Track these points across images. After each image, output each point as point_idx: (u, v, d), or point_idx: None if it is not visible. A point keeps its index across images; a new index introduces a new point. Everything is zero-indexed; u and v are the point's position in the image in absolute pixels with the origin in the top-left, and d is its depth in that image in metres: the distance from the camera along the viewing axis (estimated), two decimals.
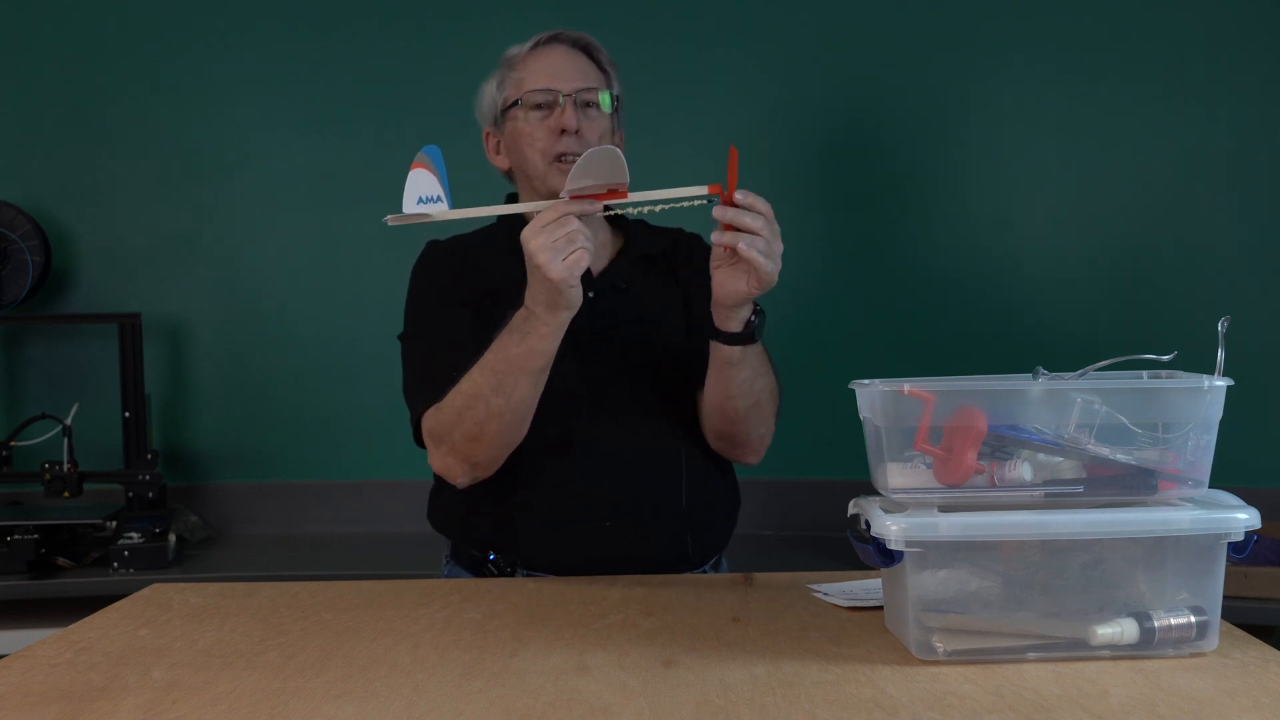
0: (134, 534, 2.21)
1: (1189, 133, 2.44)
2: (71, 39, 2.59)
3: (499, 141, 1.59)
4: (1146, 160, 2.46)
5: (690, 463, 1.51)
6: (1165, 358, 1.08)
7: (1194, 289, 2.43)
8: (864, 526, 1.05)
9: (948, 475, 1.03)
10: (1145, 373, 1.11)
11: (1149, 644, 1.01)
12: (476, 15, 2.55)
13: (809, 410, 2.25)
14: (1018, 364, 1.17)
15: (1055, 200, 2.51)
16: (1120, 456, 1.04)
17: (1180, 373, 1.09)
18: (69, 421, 2.41)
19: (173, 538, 2.26)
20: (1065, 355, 1.25)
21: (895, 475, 1.06)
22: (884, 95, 2.56)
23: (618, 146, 1.59)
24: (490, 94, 1.58)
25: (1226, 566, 1.03)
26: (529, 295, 1.30)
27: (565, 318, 1.31)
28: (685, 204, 1.28)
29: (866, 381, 1.08)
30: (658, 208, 1.29)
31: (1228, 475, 1.09)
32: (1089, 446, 1.04)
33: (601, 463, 1.47)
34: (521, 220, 1.54)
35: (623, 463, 1.47)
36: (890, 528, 1.00)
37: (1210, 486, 1.05)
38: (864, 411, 1.11)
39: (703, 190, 1.26)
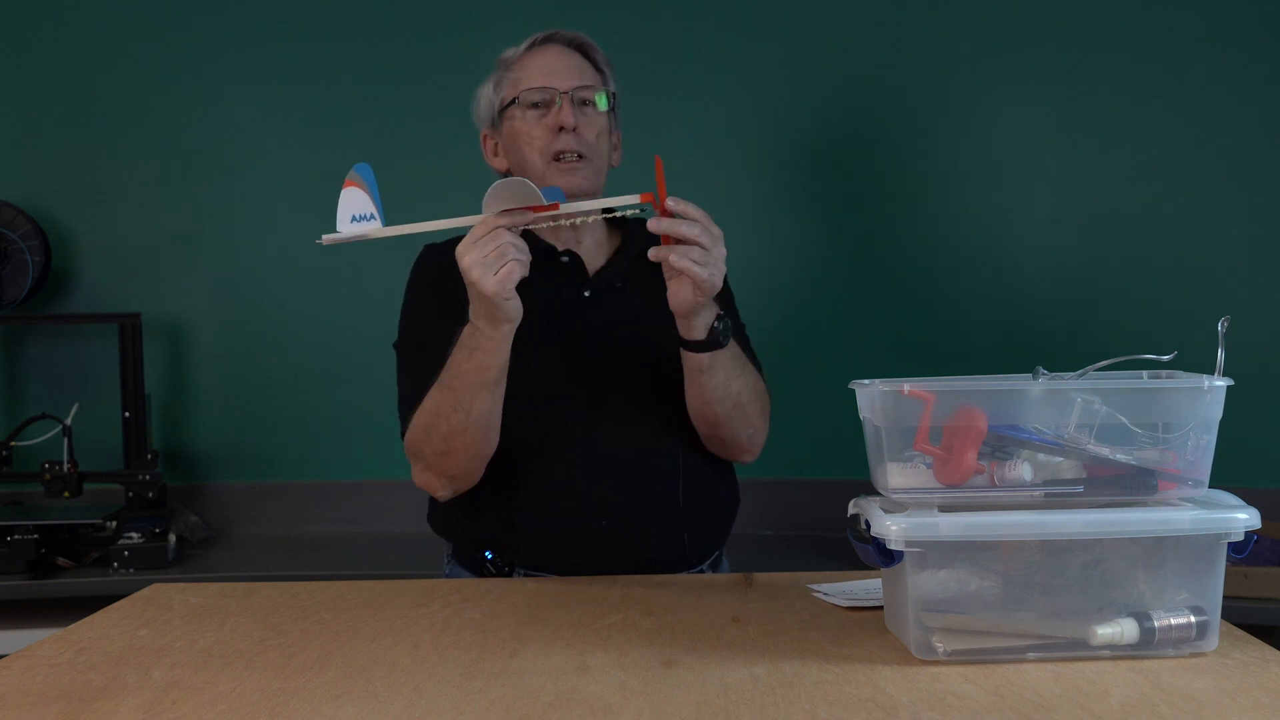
0: (134, 534, 2.21)
1: (1189, 133, 2.44)
2: (71, 39, 2.59)
3: (497, 143, 1.59)
4: (1146, 160, 2.46)
5: (688, 462, 1.51)
6: (1165, 358, 1.08)
7: (1194, 289, 2.43)
8: (864, 526, 1.05)
9: (948, 475, 1.03)
10: (1145, 373, 1.11)
11: (1149, 644, 1.01)
12: (476, 15, 2.55)
13: (809, 410, 2.26)
14: (1018, 364, 1.17)
15: (1055, 200, 2.51)
16: (1120, 456, 1.04)
17: (1180, 373, 1.09)
18: (69, 421, 2.41)
19: (173, 538, 2.26)
20: (1065, 355, 1.25)
21: (895, 475, 1.06)
22: (884, 95, 2.56)
23: (616, 146, 1.60)
24: (487, 96, 1.58)
25: (1226, 566, 1.03)
26: (471, 310, 1.32)
27: (508, 330, 1.32)
28: (618, 213, 1.30)
29: (866, 381, 1.08)
30: (590, 218, 1.31)
31: (1228, 475, 1.09)
32: (1089, 446, 1.04)
33: (599, 462, 1.47)
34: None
35: (621, 462, 1.48)
36: (890, 528, 1.00)
37: (1210, 486, 1.05)
38: (864, 411, 1.11)
39: (635, 199, 1.28)
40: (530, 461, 1.47)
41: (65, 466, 2.37)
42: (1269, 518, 1.29)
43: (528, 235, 1.53)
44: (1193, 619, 1.01)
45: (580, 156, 1.49)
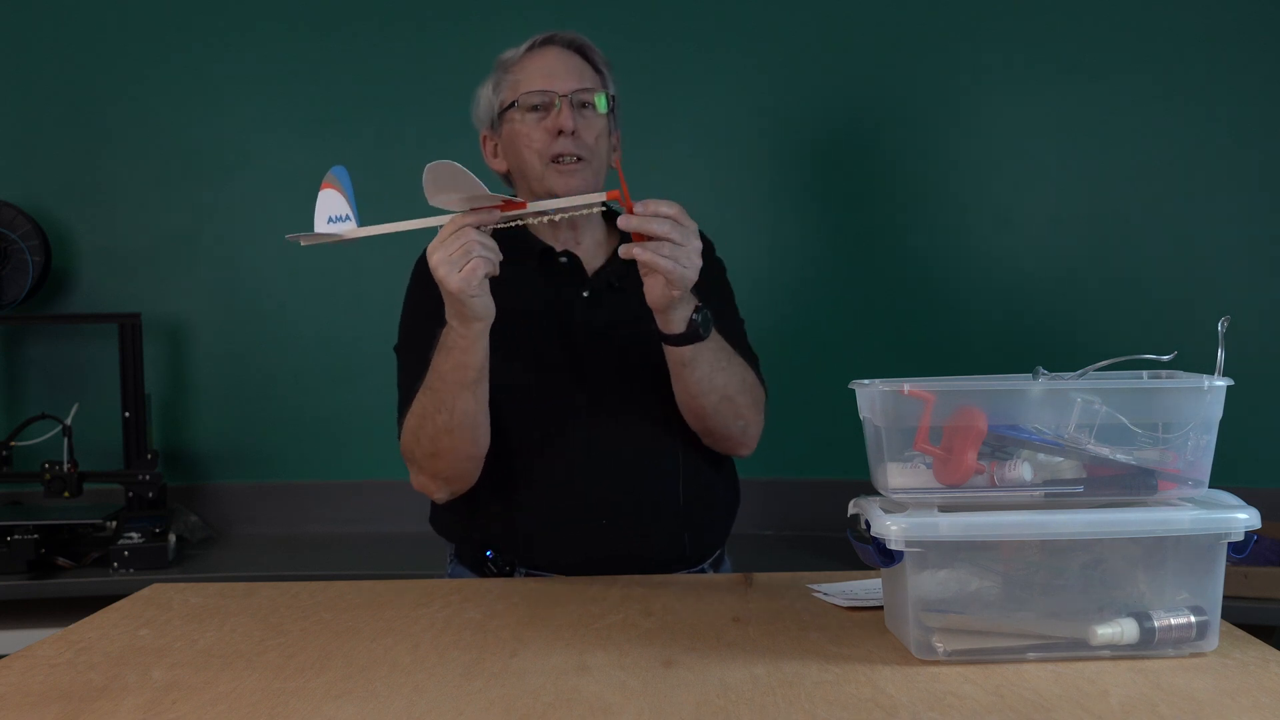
0: (134, 534, 2.21)
1: (1189, 133, 2.44)
2: (71, 39, 2.59)
3: (496, 145, 1.59)
4: (1146, 160, 2.46)
5: (688, 461, 1.51)
6: (1165, 358, 1.08)
7: (1194, 289, 2.43)
8: (864, 526, 1.05)
9: (948, 475, 1.03)
10: (1145, 373, 1.11)
11: (1149, 644, 1.01)
12: (476, 15, 2.55)
13: (809, 410, 2.26)
14: (1018, 364, 1.17)
15: (1055, 200, 2.51)
16: (1120, 456, 1.04)
17: (1180, 373, 1.09)
18: (69, 421, 2.41)
19: (173, 538, 2.26)
20: (1065, 355, 1.25)
21: (895, 475, 1.06)
22: (884, 95, 2.55)
23: (615, 147, 1.60)
24: (486, 97, 1.58)
25: (1226, 566, 1.03)
26: (445, 310, 1.33)
27: (480, 329, 1.32)
28: (585, 211, 1.31)
29: (866, 381, 1.08)
30: (557, 217, 1.31)
31: (1228, 475, 1.09)
32: (1089, 446, 1.04)
33: (599, 462, 1.47)
34: (517, 229, 1.55)
35: (621, 462, 1.48)
36: (890, 528, 1.00)
37: (1210, 486, 1.05)
38: (864, 411, 1.11)
39: (601, 197, 1.30)
40: (530, 462, 1.47)
41: (65, 466, 2.37)
42: (1269, 518, 1.29)
43: (526, 235, 1.54)
44: (1193, 619, 1.01)
45: (579, 159, 1.49)
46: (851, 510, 1.11)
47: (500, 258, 1.28)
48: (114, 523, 2.32)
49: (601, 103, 1.52)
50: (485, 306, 1.30)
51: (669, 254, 1.26)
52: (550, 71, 1.51)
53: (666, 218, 1.26)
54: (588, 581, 1.37)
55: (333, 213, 1.28)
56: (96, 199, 2.61)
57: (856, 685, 0.96)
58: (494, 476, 1.47)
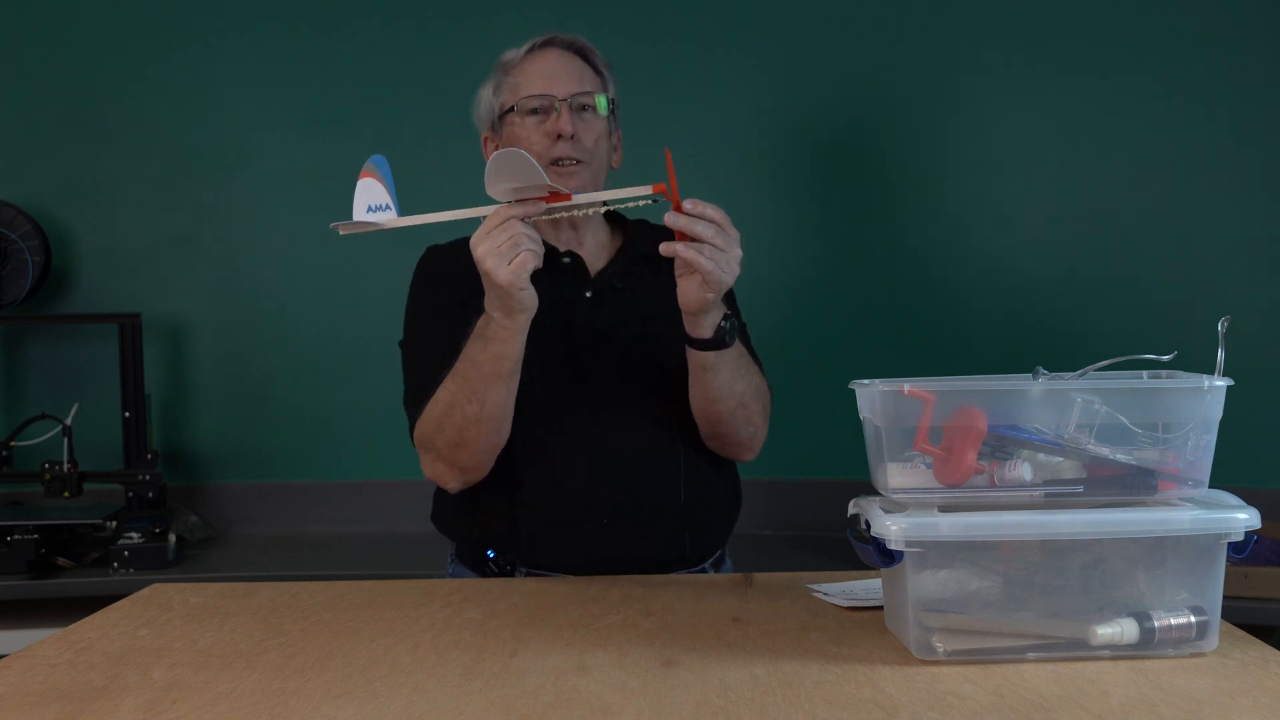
0: (134, 534, 2.21)
1: (1189, 133, 2.44)
2: (71, 39, 2.59)
3: (497, 145, 1.59)
4: (1146, 160, 2.46)
5: (689, 462, 1.51)
6: (1165, 358, 1.08)
7: (1194, 289, 2.43)
8: (864, 526, 1.05)
9: (948, 475, 1.03)
10: (1145, 373, 1.11)
11: (1149, 644, 1.01)
12: (476, 15, 2.55)
13: (809, 410, 2.25)
14: (1018, 364, 1.17)
15: (1055, 200, 2.51)
16: (1120, 456, 1.04)
17: (1180, 373, 1.09)
18: (69, 421, 2.41)
19: (173, 538, 2.26)
20: (1065, 355, 1.25)
21: (895, 475, 1.06)
22: (884, 95, 2.56)
23: (616, 148, 1.60)
24: (486, 99, 1.58)
25: (1226, 566, 1.03)
26: (486, 301, 1.32)
27: (524, 320, 1.33)
28: (630, 204, 1.29)
29: (866, 381, 1.08)
30: (603, 208, 1.30)
31: (1228, 475, 1.09)
32: (1089, 446, 1.04)
33: (601, 462, 1.47)
34: None
35: (622, 462, 1.48)
36: (890, 528, 1.00)
37: (1210, 486, 1.05)
38: (864, 411, 1.11)
39: (647, 190, 1.28)
40: (532, 461, 1.47)
41: (65, 466, 2.37)
42: (1269, 518, 1.29)
43: None
44: (1193, 619, 1.01)
45: (578, 161, 1.50)
46: (851, 510, 1.11)
47: (543, 250, 1.28)
48: (114, 523, 2.32)
49: (601, 105, 1.52)
50: (532, 299, 1.30)
51: (709, 255, 1.26)
52: (550, 74, 1.51)
53: (712, 222, 1.26)
54: (588, 581, 1.37)
55: (372, 202, 1.27)
56: (96, 199, 2.61)
57: (856, 685, 0.96)
58: (497, 475, 1.47)
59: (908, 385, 1.03)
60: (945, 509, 1.02)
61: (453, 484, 1.48)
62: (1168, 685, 0.95)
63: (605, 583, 1.36)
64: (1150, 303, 2.45)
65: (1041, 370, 1.07)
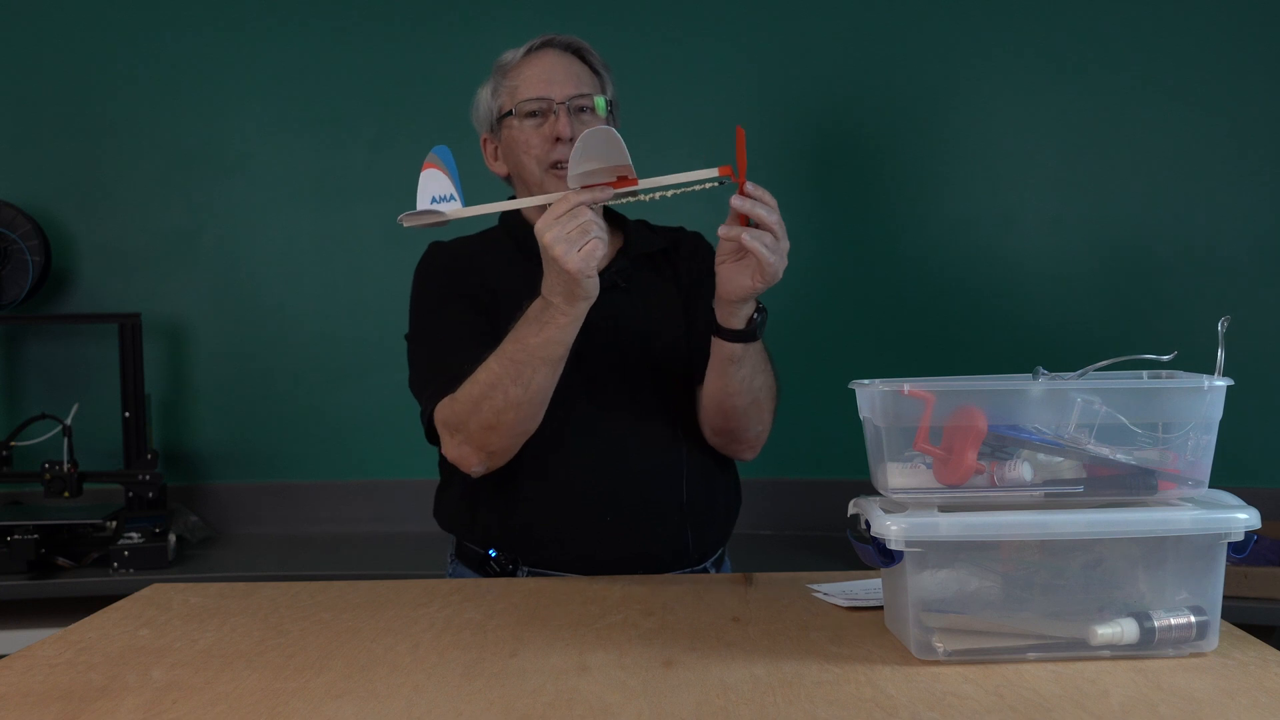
0: (134, 534, 2.21)
1: (1189, 133, 2.44)
2: (71, 39, 2.59)
3: (496, 148, 1.59)
4: (1146, 160, 2.46)
5: (691, 460, 1.51)
6: (1165, 358, 1.08)
7: (1194, 289, 2.43)
8: (864, 526, 1.05)
9: (948, 475, 1.04)
10: (1145, 373, 1.11)
11: (1149, 644, 1.01)
12: (476, 15, 2.55)
13: (809, 410, 2.25)
14: (1018, 364, 1.17)
15: (1055, 200, 2.51)
16: (1120, 456, 1.04)
17: (1180, 373, 1.09)
18: (69, 421, 2.41)
19: (173, 538, 2.26)
20: (1065, 355, 1.25)
21: (895, 475, 1.06)
22: (884, 94, 2.55)
23: None
24: (485, 101, 1.58)
25: (1226, 566, 1.03)
26: (546, 286, 1.30)
27: (584, 308, 1.31)
28: (696, 187, 1.27)
29: (866, 381, 1.08)
30: (669, 193, 1.28)
31: (1228, 475, 1.10)
32: (1089, 446, 1.04)
33: (603, 460, 1.47)
34: (522, 225, 1.55)
35: (625, 460, 1.48)
36: (890, 528, 1.00)
37: (1210, 486, 1.05)
38: (864, 411, 1.11)
39: (713, 173, 1.26)
40: (534, 459, 1.47)
41: (65, 466, 2.37)
42: (1269, 518, 1.29)
43: (531, 234, 1.53)
44: (1193, 619, 1.01)
45: None
46: (851, 510, 1.11)
47: (608, 237, 1.27)
48: (114, 523, 2.32)
49: (600, 106, 1.52)
50: (595, 286, 1.29)
51: (769, 244, 1.25)
52: (548, 76, 1.51)
53: (773, 208, 1.25)
54: (588, 581, 1.37)
55: (437, 192, 1.27)
56: (96, 199, 2.61)
57: (856, 685, 0.96)
58: (500, 472, 1.46)
59: (908, 385, 1.03)
60: (945, 509, 1.02)
61: (476, 468, 1.45)
62: (1168, 685, 0.95)
63: (605, 583, 1.36)
64: (1150, 303, 2.45)
65: (1041, 370, 1.07)
